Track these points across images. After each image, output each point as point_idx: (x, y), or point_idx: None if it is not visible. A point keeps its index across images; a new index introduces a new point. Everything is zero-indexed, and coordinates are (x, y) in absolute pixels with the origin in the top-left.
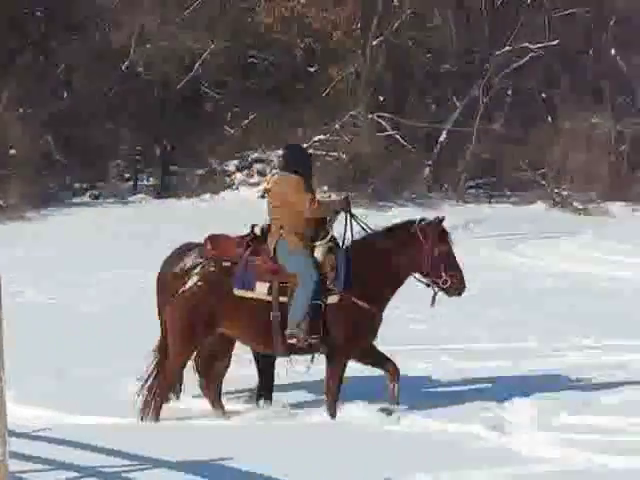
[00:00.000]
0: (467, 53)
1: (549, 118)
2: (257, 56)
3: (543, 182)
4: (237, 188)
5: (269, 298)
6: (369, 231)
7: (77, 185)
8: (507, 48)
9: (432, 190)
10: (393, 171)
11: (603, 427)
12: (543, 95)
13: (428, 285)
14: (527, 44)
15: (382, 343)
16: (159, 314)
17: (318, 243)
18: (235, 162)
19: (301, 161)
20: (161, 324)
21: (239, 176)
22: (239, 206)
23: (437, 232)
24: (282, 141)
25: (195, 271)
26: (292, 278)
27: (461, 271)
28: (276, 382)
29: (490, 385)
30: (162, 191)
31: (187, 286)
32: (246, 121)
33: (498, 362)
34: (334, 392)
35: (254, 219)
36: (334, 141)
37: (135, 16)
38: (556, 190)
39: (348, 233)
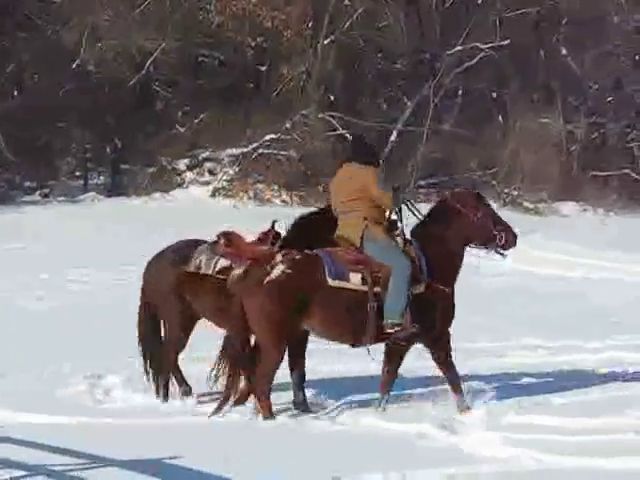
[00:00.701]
0: (418, 53)
1: (500, 118)
2: (208, 55)
3: (493, 182)
4: (187, 187)
5: (364, 288)
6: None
7: (27, 184)
8: (458, 48)
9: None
10: None
11: (551, 427)
12: (494, 95)
13: (486, 248)
14: (478, 44)
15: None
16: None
17: (396, 233)
18: (185, 161)
19: (370, 152)
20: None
21: (190, 175)
22: (190, 205)
23: (473, 198)
24: (233, 140)
25: (278, 260)
26: (382, 268)
27: (508, 224)
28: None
29: (439, 385)
30: (113, 189)
31: (274, 276)
32: (197, 120)
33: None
34: (457, 379)
35: (204, 218)
36: (285, 140)
37: (86, 14)
38: (506, 190)
39: (402, 222)
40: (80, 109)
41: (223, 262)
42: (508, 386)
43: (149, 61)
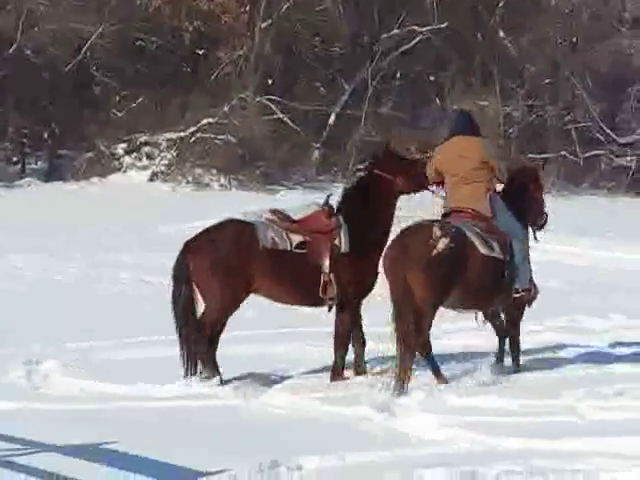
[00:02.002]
0: (356, 36)
1: (437, 101)
2: (146, 39)
3: None
4: (126, 171)
5: (502, 257)
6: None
7: None
8: (395, 31)
9: (321, 173)
10: (282, 154)
11: (490, 409)
12: (432, 78)
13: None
14: (415, 27)
15: (264, 326)
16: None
17: None
18: (123, 145)
19: (478, 127)
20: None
21: (128, 159)
22: (128, 189)
23: (537, 175)
24: (171, 124)
25: (438, 233)
26: (505, 236)
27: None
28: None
29: (379, 367)
30: (50, 174)
31: (440, 249)
32: (134, 104)
33: (388, 344)
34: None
35: (143, 202)
36: (223, 124)
37: None
38: None
39: None
40: (17, 94)
41: (296, 237)
42: (447, 368)
43: (86, 46)
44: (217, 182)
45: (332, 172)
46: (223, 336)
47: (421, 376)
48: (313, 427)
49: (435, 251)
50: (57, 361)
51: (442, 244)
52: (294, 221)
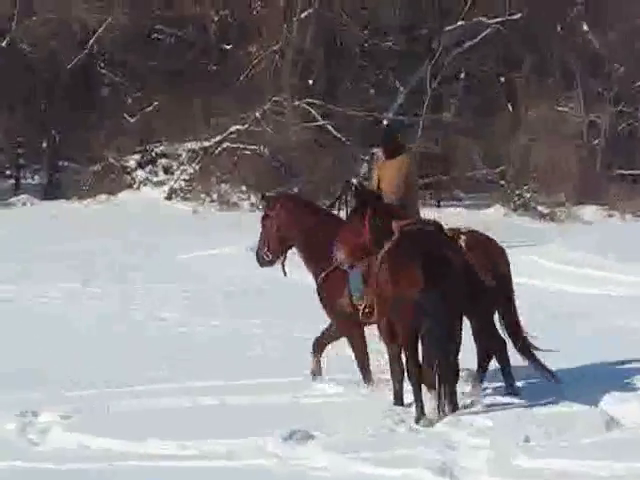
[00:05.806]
0: (412, 29)
1: (509, 106)
2: (163, 31)
3: (501, 182)
4: (139, 188)
5: None
6: None
7: None
8: (460, 23)
9: None
10: (324, 168)
11: (570, 473)
12: (502, 79)
13: None
14: (483, 19)
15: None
16: None
17: None
18: (136, 157)
19: None
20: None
21: (141, 173)
22: (141, 209)
23: None
24: (192, 132)
25: None
26: None
27: None
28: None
29: (440, 425)
30: (49, 190)
31: None
32: (149, 108)
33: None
34: None
35: (159, 224)
36: (254, 132)
37: None
38: (517, 191)
39: None
40: (10, 95)
41: None
42: (517, 420)
43: (93, 39)
44: (246, 201)
45: None
46: (235, 384)
47: (486, 429)
48: None
49: None
50: (56, 412)
51: None
52: None
